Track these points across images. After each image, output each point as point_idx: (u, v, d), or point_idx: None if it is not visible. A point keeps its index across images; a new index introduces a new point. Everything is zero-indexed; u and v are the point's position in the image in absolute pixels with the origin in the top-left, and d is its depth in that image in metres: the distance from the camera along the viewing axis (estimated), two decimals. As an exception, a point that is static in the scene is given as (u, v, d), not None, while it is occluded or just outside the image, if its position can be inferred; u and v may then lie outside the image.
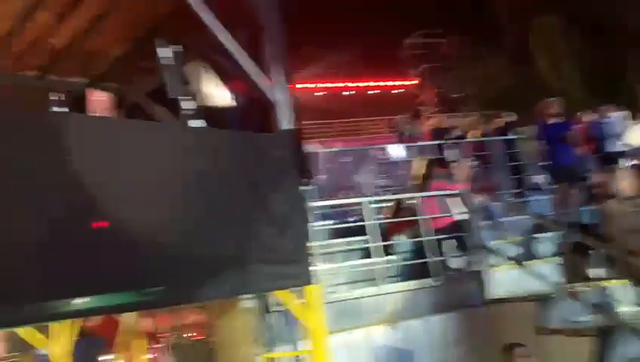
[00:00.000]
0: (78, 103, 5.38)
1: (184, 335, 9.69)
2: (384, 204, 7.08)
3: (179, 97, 4.56)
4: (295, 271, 4.49)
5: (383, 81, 21.59)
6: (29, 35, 5.07)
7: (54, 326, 4.95)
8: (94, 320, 6.93)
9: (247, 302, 4.99)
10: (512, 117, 10.08)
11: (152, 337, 6.80)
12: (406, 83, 21.53)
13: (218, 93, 5.39)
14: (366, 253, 6.18)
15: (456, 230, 6.42)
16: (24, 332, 5.00)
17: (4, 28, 4.92)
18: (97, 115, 4.64)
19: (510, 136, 9.29)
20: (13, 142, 3.30)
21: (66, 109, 4.86)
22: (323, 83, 20.42)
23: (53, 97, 4.40)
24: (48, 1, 4.71)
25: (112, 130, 3.98)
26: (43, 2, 4.69)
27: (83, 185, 3.53)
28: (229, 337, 5.39)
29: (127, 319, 5.92)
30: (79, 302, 3.90)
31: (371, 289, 5.71)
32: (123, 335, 5.81)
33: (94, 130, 3.83)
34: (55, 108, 4.39)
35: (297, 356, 4.92)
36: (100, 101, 4.70)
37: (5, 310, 3.27)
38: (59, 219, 3.41)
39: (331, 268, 5.70)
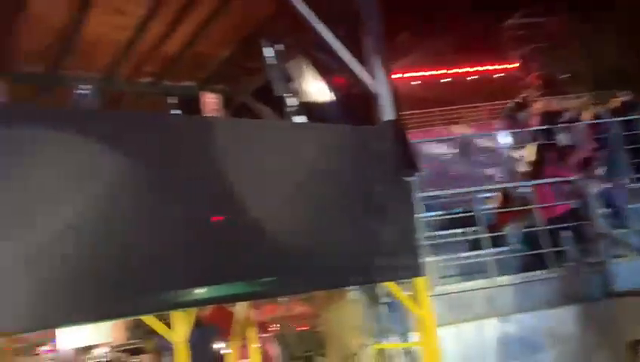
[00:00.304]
0: (188, 105, 5.72)
1: (290, 326, 9.98)
2: (492, 194, 6.81)
3: (283, 95, 4.70)
4: (404, 262, 4.47)
5: (483, 66, 20.75)
6: (145, 44, 5.43)
7: (174, 315, 5.32)
8: (208, 310, 7.35)
9: (355, 294, 5.03)
10: (629, 96, 9.24)
11: (261, 327, 7.05)
12: (507, 66, 20.54)
13: (319, 89, 5.46)
14: (474, 245, 5.99)
15: (573, 218, 6.03)
16: (148, 320, 5.42)
17: (123, 39, 5.32)
18: (208, 115, 4.90)
19: (629, 117, 8.52)
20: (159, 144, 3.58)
21: (179, 112, 5.20)
22: (420, 71, 20.02)
23: (170, 101, 4.72)
24: (160, 12, 5.02)
25: (232, 130, 4.16)
26: (156, 13, 5.00)
27: (204, 181, 3.75)
28: (337, 328, 5.46)
29: (240, 309, 6.19)
30: (199, 292, 4.17)
31: (482, 282, 5.52)
32: (236, 324, 6.09)
33: (218, 130, 4.04)
34: (172, 111, 4.72)
35: (407, 348, 4.88)
36: (210, 102, 4.95)
37: (135, 299, 3.57)
38: (182, 213, 3.65)
39: (440, 259, 5.58)
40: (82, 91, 4.29)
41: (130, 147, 3.46)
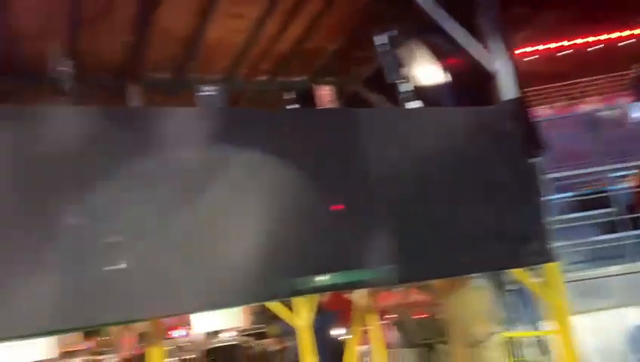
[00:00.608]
0: (303, 99, 5.88)
1: (407, 314, 9.90)
2: (628, 172, 6.25)
3: (396, 81, 4.67)
4: (532, 248, 4.26)
5: (606, 34, 19.01)
6: (260, 44, 5.67)
7: (297, 301, 5.53)
8: (326, 297, 7.53)
9: (480, 281, 4.90)
10: None
11: (379, 314, 7.09)
12: (634, 32, 18.65)
13: (432, 73, 5.36)
14: (609, 228, 5.55)
15: None
16: (272, 306, 5.67)
17: (240, 41, 5.59)
18: (324, 107, 5.02)
19: None
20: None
21: (296, 106, 5.38)
22: (538, 45, 18.79)
23: (287, 96, 4.91)
24: (273, 13, 5.20)
25: (351, 120, 4.22)
26: (269, 14, 5.19)
27: (324, 171, 3.86)
28: (460, 315, 5.35)
29: (360, 296, 6.27)
30: (321, 279, 4.30)
31: (619, 267, 5.12)
32: (356, 311, 6.18)
33: (339, 121, 4.13)
34: (289, 107, 4.89)
35: (539, 336, 4.67)
36: (325, 95, 5.06)
37: (264, 286, 3.77)
38: (305, 203, 3.78)
39: (571, 244, 5.24)
40: (207, 93, 4.57)
41: (258, 142, 3.66)
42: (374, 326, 6.31)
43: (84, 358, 12.53)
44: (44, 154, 3.15)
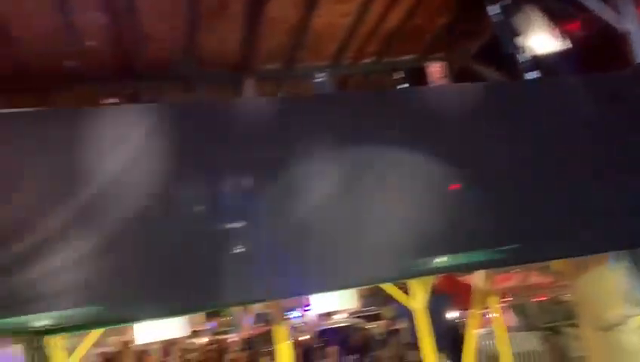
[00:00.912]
0: (412, 78, 5.80)
1: (527, 296, 9.49)
2: None
3: (513, 51, 4.45)
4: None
5: None
6: (366, 25, 5.65)
7: (413, 283, 5.49)
8: (440, 279, 7.40)
9: (614, 260, 4.56)
10: None
11: (498, 296, 6.85)
12: None
13: (550, 40, 5.03)
14: None
15: None
16: (388, 287, 5.68)
17: (346, 24, 5.61)
18: (436, 84, 4.90)
19: None
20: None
21: (406, 85, 5.31)
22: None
23: (396, 76, 4.87)
24: (379, -8, 5.16)
25: (465, 97, 4.11)
26: (375, -6, 5.15)
27: (441, 149, 3.79)
28: (591, 298, 5.03)
29: (478, 278, 6.11)
30: (439, 261, 4.23)
31: None
32: (475, 293, 6.02)
33: (452, 99, 4.04)
34: (399, 87, 4.84)
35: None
36: (436, 71, 4.94)
37: (384, 268, 3.79)
38: (423, 183, 3.74)
39: None
40: (318, 80, 4.67)
41: (372, 125, 3.67)
42: (495, 309, 6.12)
43: (210, 337, 13.46)
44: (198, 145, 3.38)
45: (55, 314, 3.37)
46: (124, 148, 3.26)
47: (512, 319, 8.92)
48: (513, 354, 5.84)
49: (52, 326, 3.95)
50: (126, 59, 5.27)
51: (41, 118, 3.48)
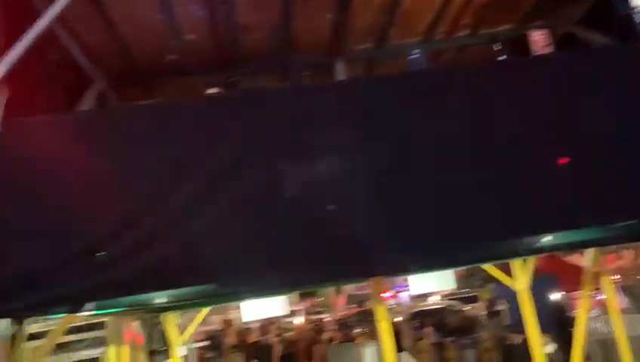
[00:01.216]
0: (512, 48, 5.52)
1: (637, 276, 8.89)
2: None
3: (628, 12, 4.10)
4: None
5: None
6: (458, -2, 5.43)
7: (515, 264, 5.29)
8: (542, 260, 7.09)
9: None
10: None
11: (605, 277, 6.47)
12: None
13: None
14: None
15: None
16: (489, 268, 5.52)
17: (438, -2, 5.42)
18: (539, 53, 4.65)
19: None
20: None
21: (504, 56, 5.08)
22: None
23: (495, 47, 4.65)
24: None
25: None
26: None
27: (553, 121, 3.61)
28: None
29: (587, 257, 5.79)
30: (547, 240, 4.04)
31: None
32: (584, 274, 5.71)
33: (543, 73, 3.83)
34: (499, 58, 4.63)
35: None
36: (539, 40, 4.68)
37: (481, 246, 3.69)
38: (531, 156, 3.58)
39: None
40: (413, 56, 4.58)
41: (487, 95, 3.57)
42: (607, 290, 5.77)
43: (307, 317, 13.85)
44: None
45: (172, 292, 3.62)
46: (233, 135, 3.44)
47: (622, 300, 8.46)
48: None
49: (169, 303, 4.26)
50: (224, 50, 5.45)
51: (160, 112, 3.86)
